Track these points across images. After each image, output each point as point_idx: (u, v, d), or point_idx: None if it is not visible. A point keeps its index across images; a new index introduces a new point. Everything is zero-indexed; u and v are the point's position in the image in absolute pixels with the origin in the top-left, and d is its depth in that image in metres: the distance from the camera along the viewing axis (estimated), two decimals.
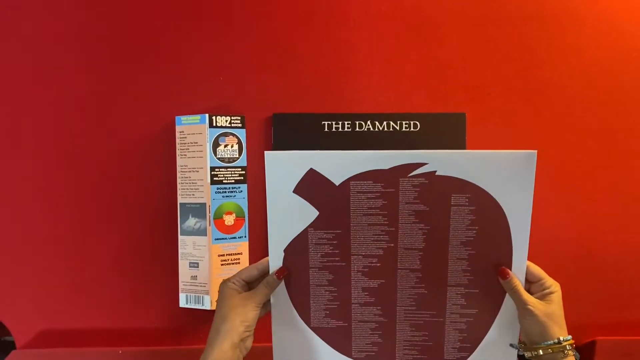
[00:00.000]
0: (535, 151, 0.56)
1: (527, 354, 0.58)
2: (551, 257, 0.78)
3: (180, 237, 0.78)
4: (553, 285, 0.60)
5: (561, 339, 0.57)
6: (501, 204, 0.58)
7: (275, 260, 0.62)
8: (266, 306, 0.64)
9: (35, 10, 0.79)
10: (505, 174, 0.57)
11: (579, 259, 0.79)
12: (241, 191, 0.78)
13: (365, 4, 0.79)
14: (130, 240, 0.79)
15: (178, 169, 0.78)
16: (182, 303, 0.77)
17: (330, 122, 0.78)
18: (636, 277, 0.78)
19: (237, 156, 0.78)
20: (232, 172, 0.77)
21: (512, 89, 0.79)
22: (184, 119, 0.77)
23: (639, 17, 0.79)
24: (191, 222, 0.77)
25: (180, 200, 0.78)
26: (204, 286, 0.76)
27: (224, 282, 0.62)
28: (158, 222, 0.79)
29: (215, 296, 0.75)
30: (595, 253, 0.79)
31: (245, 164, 0.79)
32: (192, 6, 0.79)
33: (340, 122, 0.78)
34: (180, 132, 0.78)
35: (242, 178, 0.78)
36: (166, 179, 0.79)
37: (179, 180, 0.78)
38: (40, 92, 0.79)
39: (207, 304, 0.76)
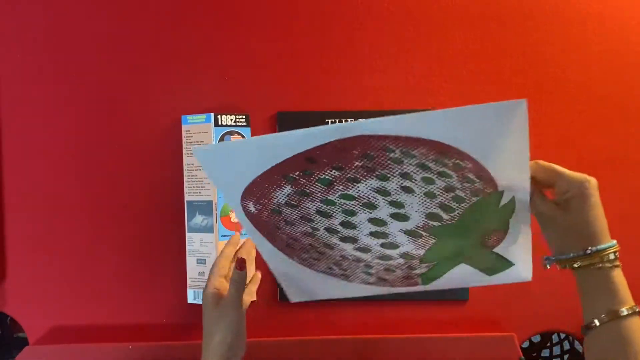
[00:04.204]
0: (525, 100, 0.46)
1: (560, 267, 0.51)
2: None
3: (187, 234, 0.79)
4: (571, 188, 0.48)
5: (590, 250, 0.48)
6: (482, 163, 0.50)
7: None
8: (251, 295, 0.65)
9: (42, 12, 0.80)
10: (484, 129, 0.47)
11: None
12: None
13: (368, 2, 0.80)
14: (139, 237, 0.80)
15: (185, 167, 0.79)
16: (190, 299, 0.79)
17: (334, 120, 0.79)
18: (636, 275, 0.79)
19: None
20: None
21: (514, 86, 0.80)
22: (190, 118, 0.78)
23: (639, 13, 0.80)
24: (198, 219, 0.78)
25: (187, 198, 0.79)
26: None
27: (205, 290, 0.62)
28: (166, 219, 0.80)
29: None
30: None
31: None
32: (197, 6, 0.80)
33: (343, 120, 0.79)
34: (186, 131, 0.79)
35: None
36: (173, 177, 0.80)
37: (185, 179, 0.79)
38: (49, 94, 0.80)
39: None
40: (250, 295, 0.68)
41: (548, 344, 1.04)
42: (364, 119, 0.48)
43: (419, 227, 0.54)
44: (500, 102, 0.45)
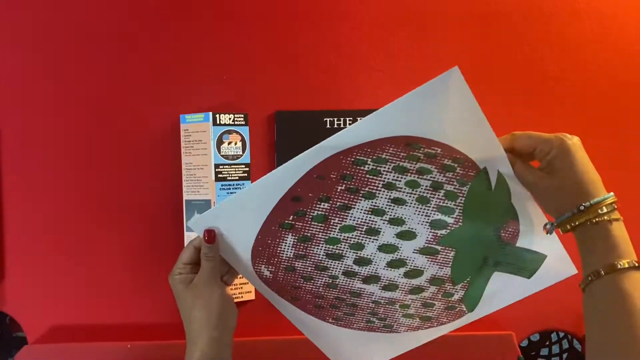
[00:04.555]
0: (456, 67, 0.45)
1: (563, 231, 0.49)
2: None
3: (186, 233, 0.79)
4: (551, 148, 0.47)
5: (583, 206, 0.46)
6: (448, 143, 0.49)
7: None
8: (231, 272, 0.58)
9: (41, 12, 0.80)
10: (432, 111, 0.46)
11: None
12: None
13: (366, 1, 0.80)
14: (138, 237, 0.80)
15: (183, 166, 0.79)
16: None
17: (332, 119, 0.79)
18: None
19: (241, 153, 0.79)
20: (236, 169, 0.79)
21: (512, 85, 0.80)
22: (189, 117, 0.78)
23: (636, 10, 0.80)
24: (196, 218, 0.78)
25: (185, 197, 0.79)
26: None
27: (170, 276, 0.56)
28: (165, 218, 0.80)
29: None
30: None
31: (248, 161, 0.80)
32: (196, 5, 0.80)
33: (342, 119, 0.79)
34: (184, 130, 0.79)
35: (245, 175, 0.79)
36: (172, 176, 0.80)
37: (184, 178, 0.79)
38: (47, 93, 0.80)
39: None
40: (232, 274, 0.59)
41: (547, 343, 1.04)
42: (324, 140, 0.49)
43: (430, 241, 0.54)
44: (435, 78, 0.45)
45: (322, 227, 0.53)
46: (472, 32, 0.80)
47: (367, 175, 0.50)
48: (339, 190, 0.51)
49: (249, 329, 0.65)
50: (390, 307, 0.59)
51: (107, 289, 0.80)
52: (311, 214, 0.52)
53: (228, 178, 0.78)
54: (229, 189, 0.78)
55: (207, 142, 0.77)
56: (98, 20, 0.80)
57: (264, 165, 0.81)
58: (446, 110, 0.46)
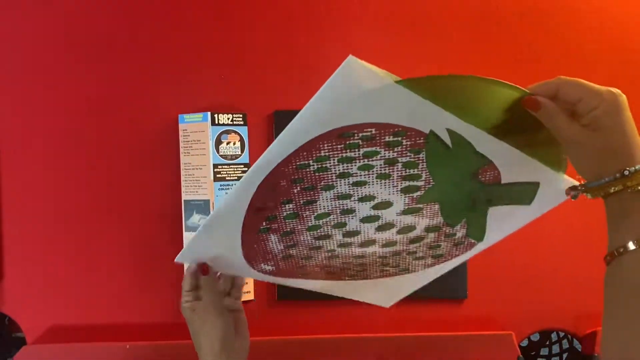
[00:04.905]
0: (349, 56, 0.41)
1: (592, 196, 0.44)
2: (550, 247, 0.79)
3: (185, 234, 0.79)
4: (601, 103, 0.41)
5: (628, 171, 0.40)
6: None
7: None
8: (237, 286, 0.61)
9: (40, 12, 0.80)
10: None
11: (579, 250, 0.79)
12: None
13: (365, 1, 0.80)
14: (137, 237, 0.80)
15: (182, 166, 0.79)
16: None
17: None
18: None
19: (240, 153, 0.79)
20: (235, 169, 0.78)
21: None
22: (187, 117, 0.78)
23: (636, 8, 0.80)
24: (195, 218, 0.78)
25: (184, 197, 0.79)
26: None
27: (181, 305, 0.59)
28: (163, 219, 0.80)
29: None
30: (594, 244, 0.79)
31: (247, 161, 0.80)
32: (194, 5, 0.80)
33: None
34: (183, 130, 0.79)
35: (244, 175, 0.79)
36: (171, 176, 0.80)
37: (183, 178, 0.79)
38: (46, 94, 0.80)
39: None
40: (234, 299, 0.62)
41: (547, 343, 1.04)
42: (256, 162, 0.47)
43: (408, 204, 0.52)
44: (334, 73, 0.42)
45: (298, 221, 0.53)
46: (472, 33, 0.80)
47: (316, 174, 0.49)
48: (295, 192, 0.50)
49: (249, 329, 0.65)
50: (397, 257, 0.58)
51: (106, 289, 0.80)
52: (281, 215, 0.52)
53: (227, 178, 0.78)
54: (228, 189, 0.78)
55: (205, 142, 0.77)
56: (97, 21, 0.80)
57: None
58: (360, 96, 0.43)
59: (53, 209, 0.80)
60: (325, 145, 0.47)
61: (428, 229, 0.56)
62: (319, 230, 0.54)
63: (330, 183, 0.50)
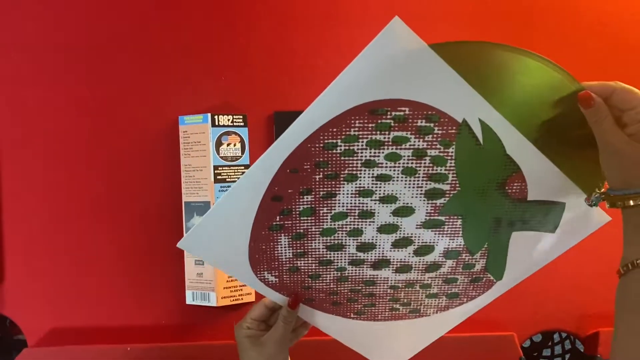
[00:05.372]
0: (396, 17, 0.42)
1: (609, 205, 0.44)
2: None
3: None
4: None
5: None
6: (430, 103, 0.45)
7: None
8: (297, 331, 0.58)
9: (40, 13, 0.80)
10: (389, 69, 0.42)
11: (580, 251, 0.79)
12: None
13: (364, 1, 0.80)
14: (137, 239, 0.80)
15: (182, 168, 0.79)
16: (189, 300, 0.79)
17: None
18: None
19: (240, 154, 0.79)
20: (235, 171, 0.78)
21: None
22: (187, 118, 0.78)
23: (636, 6, 0.79)
24: (196, 220, 0.78)
25: (185, 198, 0.79)
26: (210, 283, 0.77)
27: (237, 328, 0.56)
28: (164, 220, 0.80)
29: (221, 293, 0.77)
30: (596, 245, 0.79)
31: (248, 162, 0.80)
32: (193, 7, 0.80)
33: None
34: (183, 131, 0.79)
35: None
36: (171, 178, 0.80)
37: (183, 179, 0.79)
38: (46, 95, 0.80)
39: (213, 300, 0.77)
40: (297, 336, 0.60)
41: (549, 344, 1.04)
42: (285, 131, 0.45)
43: (430, 213, 0.49)
44: (378, 35, 0.41)
45: (313, 220, 0.50)
46: (471, 31, 0.80)
47: (342, 158, 0.46)
48: (317, 179, 0.47)
49: None
50: (410, 289, 0.55)
51: (107, 291, 0.80)
52: (297, 209, 0.49)
53: (227, 179, 0.78)
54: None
55: (206, 144, 0.77)
56: (96, 22, 0.80)
57: None
58: (400, 65, 0.42)
59: (54, 211, 0.80)
60: (357, 121, 0.44)
61: (447, 254, 0.53)
62: (332, 237, 0.51)
63: (355, 172, 0.47)
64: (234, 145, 0.78)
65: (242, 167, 0.79)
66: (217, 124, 0.77)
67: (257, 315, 0.56)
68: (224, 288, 0.77)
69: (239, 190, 0.48)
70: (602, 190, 0.45)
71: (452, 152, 0.47)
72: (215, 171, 0.77)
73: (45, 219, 0.80)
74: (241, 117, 0.79)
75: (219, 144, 0.77)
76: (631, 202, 0.41)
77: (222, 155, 0.77)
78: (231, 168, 0.78)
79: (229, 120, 0.78)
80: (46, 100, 0.80)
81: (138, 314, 0.80)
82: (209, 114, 0.76)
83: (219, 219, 0.50)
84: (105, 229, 0.80)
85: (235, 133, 0.78)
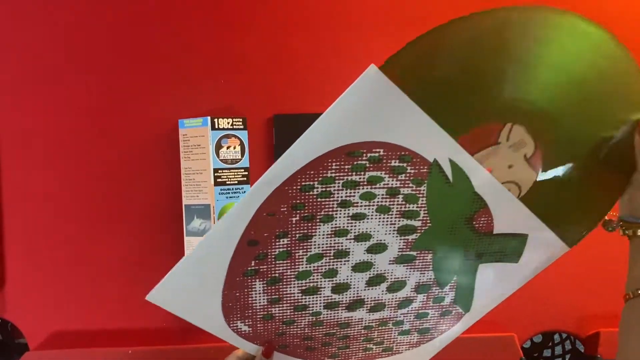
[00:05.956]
0: (371, 65, 0.44)
1: (625, 231, 0.48)
2: None
3: (186, 238, 0.79)
4: None
5: None
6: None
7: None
8: None
9: (40, 15, 0.81)
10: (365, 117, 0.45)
11: (581, 251, 0.79)
12: (244, 192, 0.79)
13: (364, 5, 0.80)
14: (138, 242, 0.81)
15: (182, 171, 0.79)
16: None
17: None
18: None
19: (240, 157, 0.79)
20: (235, 173, 0.79)
21: None
22: (187, 122, 0.78)
23: (636, 6, 0.80)
24: (196, 223, 0.78)
25: (185, 201, 0.79)
26: None
27: None
28: (164, 223, 0.80)
29: None
30: (597, 246, 0.79)
31: (247, 165, 0.80)
32: (193, 11, 0.80)
33: None
34: (183, 135, 0.79)
35: (245, 179, 0.79)
36: (171, 181, 0.80)
37: (183, 182, 0.79)
38: (47, 99, 0.81)
39: None
40: None
41: (550, 344, 1.04)
42: (262, 175, 0.46)
43: (402, 249, 0.52)
44: (353, 83, 0.44)
45: (289, 264, 0.51)
46: None
47: (319, 199, 0.48)
48: (294, 222, 0.49)
49: None
50: (383, 328, 0.57)
51: (108, 294, 0.80)
52: (273, 253, 0.50)
53: (227, 182, 0.78)
54: (228, 193, 0.78)
55: (205, 147, 0.77)
56: (97, 24, 0.81)
57: (263, 169, 0.80)
58: (375, 109, 0.45)
59: (54, 216, 0.80)
60: (334, 163, 0.47)
61: (418, 289, 0.55)
62: (308, 279, 0.52)
63: (330, 213, 0.49)
64: (234, 148, 0.79)
65: (242, 170, 0.79)
66: (216, 127, 0.77)
67: None
68: None
69: (214, 236, 0.49)
70: (610, 216, 0.48)
71: (423, 190, 0.49)
72: (215, 174, 0.77)
73: (46, 224, 0.81)
74: (241, 120, 0.79)
75: (218, 147, 0.77)
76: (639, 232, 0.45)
77: (222, 158, 0.78)
78: (231, 171, 0.78)
79: (228, 123, 0.78)
80: (47, 105, 0.81)
81: (139, 317, 0.80)
82: (209, 117, 0.77)
83: (192, 267, 0.50)
84: (106, 232, 0.80)
85: (235, 136, 0.79)
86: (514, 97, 0.46)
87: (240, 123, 0.79)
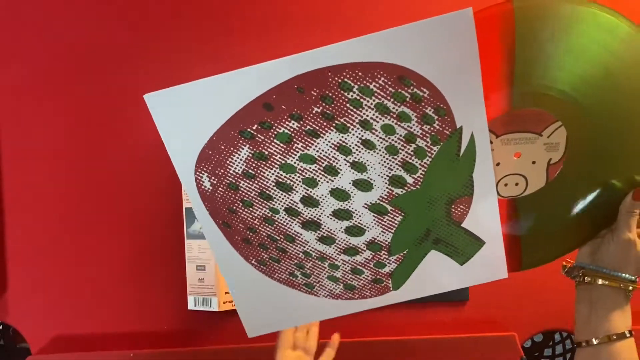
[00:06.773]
0: (470, 8, 0.43)
1: (582, 278, 0.51)
2: None
3: (186, 241, 0.79)
4: None
5: (631, 277, 0.48)
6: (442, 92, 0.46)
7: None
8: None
9: (39, 17, 0.81)
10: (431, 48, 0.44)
11: None
12: None
13: (361, 5, 0.81)
14: (139, 245, 0.81)
15: None
16: (191, 305, 0.79)
17: None
18: None
19: None
20: None
21: None
22: None
23: (636, 6, 0.80)
24: (197, 226, 0.78)
25: (185, 205, 0.79)
26: (211, 288, 0.78)
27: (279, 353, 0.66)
28: (165, 227, 0.81)
29: (223, 298, 0.77)
30: None
31: None
32: (192, 12, 0.81)
33: None
34: None
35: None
36: (172, 184, 0.80)
37: (184, 186, 0.79)
38: (50, 102, 0.81)
39: (215, 305, 0.78)
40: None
41: (550, 343, 1.04)
42: (317, 48, 0.45)
43: (383, 198, 0.51)
44: (446, 14, 0.43)
45: (283, 149, 0.48)
46: None
47: (348, 105, 0.46)
48: (314, 111, 0.47)
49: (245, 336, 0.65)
50: (319, 263, 0.55)
51: (109, 298, 0.81)
52: (277, 129, 0.48)
53: None
54: None
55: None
56: (96, 25, 0.81)
57: None
58: (446, 50, 0.44)
59: (55, 219, 0.81)
60: (382, 77, 0.45)
61: (370, 245, 0.53)
62: (289, 175, 0.49)
63: (348, 125, 0.47)
64: None
65: None
66: None
67: (286, 344, 0.66)
68: (225, 293, 0.77)
69: (239, 76, 0.46)
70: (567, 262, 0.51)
71: (435, 150, 0.48)
72: None
73: (47, 227, 0.81)
74: None
75: None
76: (606, 282, 0.49)
77: None
78: None
79: None
80: (48, 109, 0.81)
81: (140, 320, 0.81)
82: None
83: (204, 93, 0.48)
84: (106, 235, 0.81)
85: None
86: (577, 99, 0.47)
87: None
